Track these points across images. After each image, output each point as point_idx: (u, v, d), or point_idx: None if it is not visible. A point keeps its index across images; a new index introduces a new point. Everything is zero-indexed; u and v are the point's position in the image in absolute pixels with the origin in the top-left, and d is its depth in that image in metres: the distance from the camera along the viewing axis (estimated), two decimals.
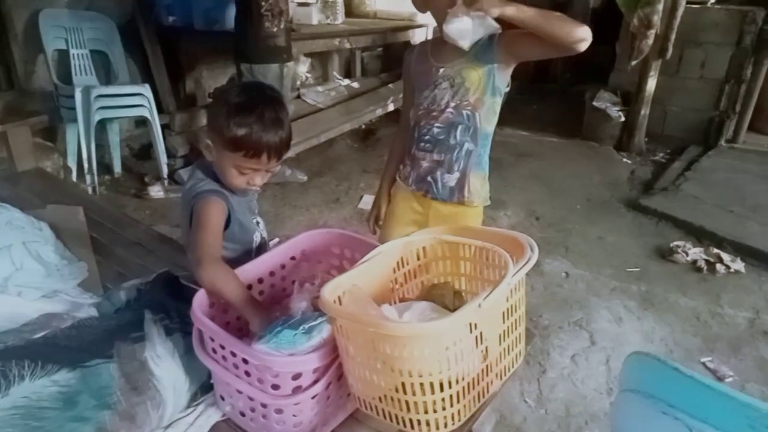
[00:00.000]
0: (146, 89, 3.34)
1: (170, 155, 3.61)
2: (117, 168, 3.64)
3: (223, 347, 1.08)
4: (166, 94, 3.82)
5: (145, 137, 3.81)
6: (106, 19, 3.54)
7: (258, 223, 1.51)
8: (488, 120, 1.58)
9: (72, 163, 3.33)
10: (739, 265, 2.79)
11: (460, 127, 1.57)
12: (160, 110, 3.55)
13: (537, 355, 2.17)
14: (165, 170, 3.48)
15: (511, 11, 1.34)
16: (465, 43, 1.40)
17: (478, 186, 1.66)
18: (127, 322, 1.32)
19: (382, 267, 1.18)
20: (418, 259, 1.23)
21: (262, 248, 1.51)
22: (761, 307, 2.52)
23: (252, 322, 1.16)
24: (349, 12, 5.20)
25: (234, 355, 1.06)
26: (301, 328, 0.98)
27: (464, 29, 1.38)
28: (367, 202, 3.42)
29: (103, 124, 3.40)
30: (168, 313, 1.31)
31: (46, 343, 1.25)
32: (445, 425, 0.95)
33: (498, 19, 1.38)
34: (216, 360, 1.12)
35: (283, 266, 1.38)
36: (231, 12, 3.57)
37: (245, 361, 1.05)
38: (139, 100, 3.32)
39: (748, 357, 2.20)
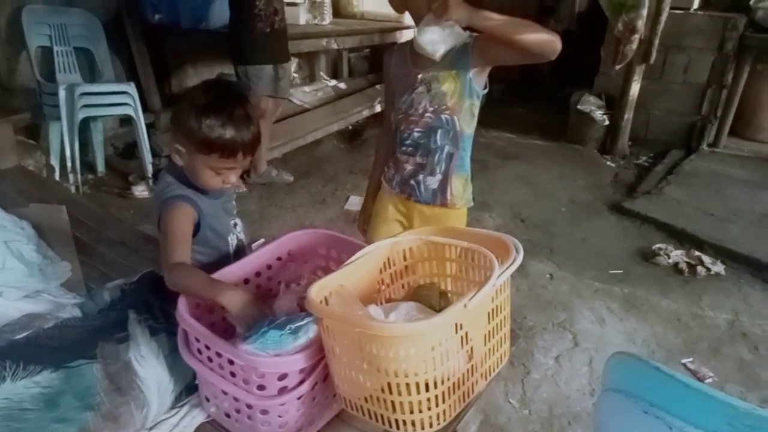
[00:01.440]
0: (131, 87, 3.31)
1: (155, 154, 3.57)
2: (100, 167, 3.59)
3: (208, 348, 1.08)
4: (152, 93, 3.79)
5: (130, 136, 3.77)
6: (91, 16, 3.50)
7: (236, 225, 1.48)
8: (467, 123, 1.59)
9: (55, 162, 3.29)
10: (719, 267, 2.83)
11: (440, 131, 1.57)
12: (145, 109, 3.52)
13: (521, 356, 2.19)
14: (150, 169, 3.45)
15: (479, 20, 1.36)
16: (437, 54, 1.42)
17: (460, 188, 1.67)
18: (111, 322, 1.31)
19: (369, 268, 1.19)
20: (405, 259, 1.24)
21: (240, 251, 1.48)
22: (740, 309, 2.57)
23: (225, 302, 1.11)
24: (337, 12, 5.20)
25: (219, 355, 1.06)
26: (287, 328, 0.98)
27: (435, 40, 1.39)
28: (353, 203, 3.42)
29: (86, 122, 3.36)
30: (152, 313, 1.30)
31: (28, 343, 1.24)
32: (431, 425, 0.96)
33: (469, 27, 1.38)
34: (201, 361, 1.12)
35: (269, 267, 1.38)
36: (218, 11, 3.56)
37: (231, 362, 1.04)
38: (123, 99, 3.28)
39: (728, 358, 2.24)
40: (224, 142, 1.20)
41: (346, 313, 0.96)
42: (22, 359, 1.15)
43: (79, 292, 1.56)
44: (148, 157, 3.44)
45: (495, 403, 1.94)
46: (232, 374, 1.06)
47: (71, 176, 3.17)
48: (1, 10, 3.27)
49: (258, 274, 1.35)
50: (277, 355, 1.01)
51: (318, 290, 1.02)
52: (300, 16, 4.34)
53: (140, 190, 3.32)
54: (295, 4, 4.35)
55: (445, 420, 0.98)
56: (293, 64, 5.30)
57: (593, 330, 2.39)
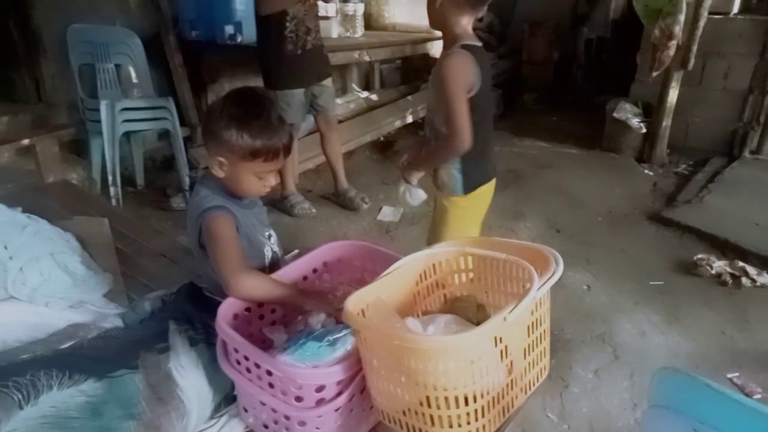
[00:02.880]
0: (169, 102, 3.40)
1: (192, 167, 3.65)
2: (140, 180, 3.69)
3: (247, 358, 1.09)
4: (189, 107, 3.88)
5: (167, 149, 3.87)
6: (131, 34, 3.61)
7: (270, 236, 1.51)
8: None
9: (96, 175, 3.39)
10: (765, 278, 2.73)
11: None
12: (182, 123, 3.61)
13: (559, 369, 2.14)
14: (187, 182, 3.53)
15: (420, 173, 1.90)
16: (416, 204, 1.96)
17: (445, 177, 1.87)
18: (152, 332, 1.33)
19: (405, 279, 1.18)
20: (441, 271, 1.23)
21: (275, 263, 1.50)
22: None
23: (310, 306, 1.24)
24: (368, 25, 5.24)
25: (258, 366, 1.07)
26: (325, 340, 0.98)
27: (411, 195, 1.93)
28: (386, 213, 3.43)
29: (127, 136, 3.46)
30: (192, 324, 1.33)
31: (73, 353, 1.27)
32: None
33: None
34: (239, 371, 1.13)
35: (305, 278, 1.38)
36: (252, 26, 3.63)
37: (269, 373, 1.05)
38: (162, 113, 3.37)
39: None
40: (268, 146, 1.26)
41: (384, 325, 0.95)
42: (67, 368, 1.18)
43: (121, 302, 1.60)
44: (185, 170, 3.52)
45: (533, 417, 1.90)
46: (271, 385, 1.06)
47: (112, 189, 3.26)
48: (47, 30, 3.40)
49: (294, 285, 1.37)
50: (315, 367, 1.01)
51: (355, 302, 1.02)
52: (332, 29, 4.38)
53: (178, 203, 3.39)
54: (327, 18, 4.40)
55: None
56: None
57: (634, 343, 2.33)
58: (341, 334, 1.00)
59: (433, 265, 1.22)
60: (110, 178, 3.23)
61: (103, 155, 3.26)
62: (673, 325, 2.45)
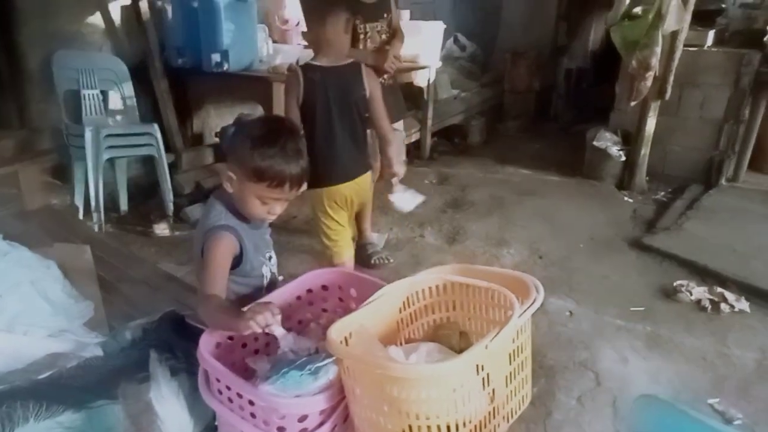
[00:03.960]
0: (154, 128, 3.40)
1: (176, 193, 3.63)
2: (123, 206, 3.66)
3: (229, 388, 1.08)
4: (174, 134, 3.88)
5: (152, 175, 3.85)
6: (117, 60, 3.62)
7: (270, 257, 1.51)
8: None
9: (79, 201, 3.36)
10: (743, 304, 2.77)
11: None
12: (167, 149, 3.60)
13: (542, 396, 2.14)
14: (171, 208, 3.51)
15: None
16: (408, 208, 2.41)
17: None
18: (132, 361, 1.32)
19: (388, 307, 1.19)
20: (424, 299, 1.24)
21: (272, 285, 1.50)
22: None
23: (245, 328, 1.10)
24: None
25: (240, 396, 1.06)
26: (307, 368, 0.98)
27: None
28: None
29: (111, 162, 3.45)
30: (173, 353, 1.32)
31: (51, 383, 1.25)
32: None
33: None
34: (221, 401, 1.12)
35: (289, 305, 1.39)
36: (238, 55, 3.67)
37: (251, 403, 1.04)
38: (147, 140, 3.37)
39: (757, 399, 2.17)
40: (273, 171, 1.26)
41: (367, 354, 0.96)
42: (45, 399, 1.16)
43: (101, 331, 1.59)
44: (169, 197, 3.50)
45: None
46: (253, 415, 1.06)
47: (95, 215, 3.23)
48: (33, 56, 3.41)
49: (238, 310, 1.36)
50: (297, 396, 1.01)
51: (338, 331, 1.03)
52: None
53: (161, 229, 3.37)
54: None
55: None
56: None
57: (616, 369, 2.34)
58: (323, 362, 1.00)
59: (416, 292, 1.23)
60: (93, 203, 3.20)
61: (87, 181, 3.24)
62: (654, 350, 2.46)
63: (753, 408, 2.13)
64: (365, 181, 2.51)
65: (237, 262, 1.37)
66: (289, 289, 1.39)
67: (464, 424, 0.93)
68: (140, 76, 3.70)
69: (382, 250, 3.21)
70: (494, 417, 1.01)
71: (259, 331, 1.11)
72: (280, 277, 1.58)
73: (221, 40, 3.59)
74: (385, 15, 2.97)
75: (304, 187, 1.38)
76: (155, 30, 3.77)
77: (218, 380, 1.11)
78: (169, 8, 3.85)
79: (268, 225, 1.49)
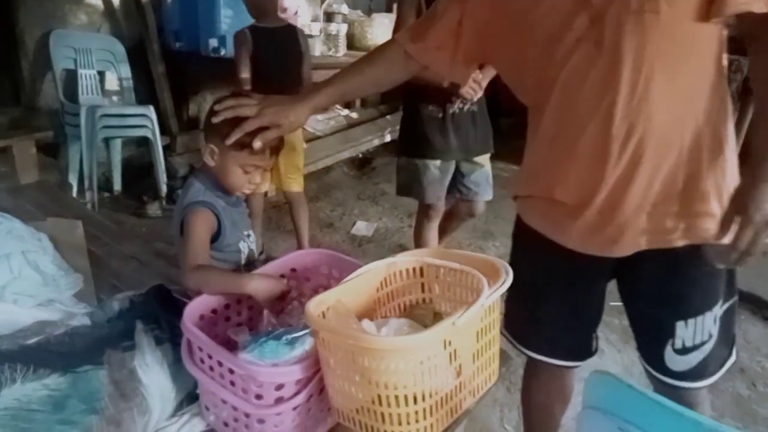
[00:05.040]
0: (150, 110, 3.44)
1: (170, 176, 3.68)
2: (117, 186, 3.71)
3: (210, 357, 1.13)
4: (169, 116, 3.92)
5: (146, 157, 3.89)
6: (115, 41, 3.66)
7: (249, 235, 1.56)
8: None
9: (73, 179, 3.40)
10: None
11: None
12: (162, 131, 3.65)
13: (518, 382, 2.19)
14: (164, 190, 3.55)
15: None
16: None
17: None
18: (118, 331, 1.36)
19: (366, 286, 1.24)
20: (401, 280, 1.29)
21: (250, 263, 1.55)
22: (739, 346, 2.56)
23: (251, 290, 1.26)
24: (351, 45, 5.34)
25: (220, 364, 1.11)
26: (284, 338, 1.03)
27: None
28: (360, 228, 3.49)
29: (106, 142, 3.49)
30: (159, 324, 1.36)
31: (38, 348, 1.29)
32: None
33: None
34: (203, 370, 1.16)
35: None
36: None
37: (231, 371, 1.09)
38: (142, 121, 3.41)
39: (726, 393, 2.24)
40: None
41: (341, 326, 1.01)
42: (32, 363, 1.20)
43: (89, 302, 1.62)
44: (163, 178, 3.55)
45: (491, 428, 1.95)
46: (232, 383, 1.10)
47: (88, 194, 3.27)
48: (30, 34, 3.43)
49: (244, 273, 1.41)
50: (274, 365, 1.06)
51: (316, 305, 1.08)
52: (316, 47, 4.47)
53: (154, 209, 3.41)
54: (311, 36, 4.49)
55: None
56: None
57: (591, 360, 2.40)
58: (300, 333, 1.05)
59: (394, 273, 1.28)
60: (87, 182, 3.25)
61: (81, 159, 3.27)
62: (629, 344, 2.53)
63: (721, 402, 2.21)
64: None
65: (215, 236, 1.42)
66: (274, 267, 1.43)
67: (430, 395, 0.98)
68: (138, 58, 3.74)
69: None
70: (460, 391, 1.06)
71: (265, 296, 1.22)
72: (262, 256, 1.64)
73: (219, 25, 3.62)
74: None
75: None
76: (154, 12, 3.79)
77: (200, 349, 1.15)
78: None
79: (244, 204, 1.55)
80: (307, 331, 1.05)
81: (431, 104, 2.32)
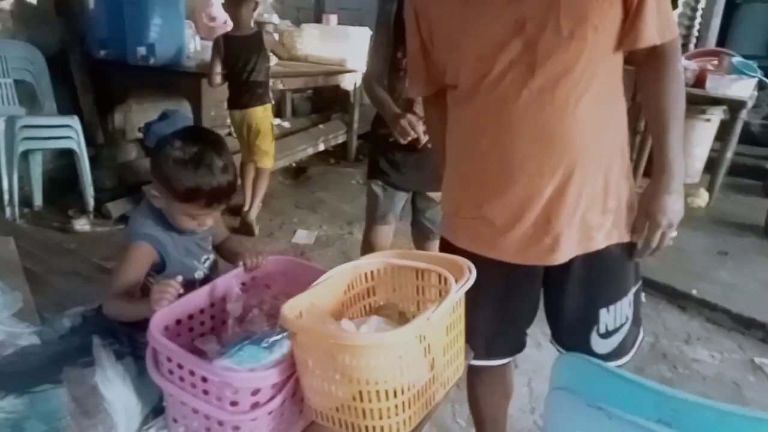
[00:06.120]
0: (75, 121, 3.28)
1: (97, 188, 3.52)
2: (38, 201, 3.49)
3: (180, 366, 1.11)
4: (94, 127, 3.75)
5: (69, 169, 3.69)
6: (33, 49, 3.47)
7: (206, 260, 1.52)
8: None
9: None
10: None
11: None
12: (87, 143, 3.48)
13: (466, 379, 2.29)
14: (91, 203, 3.39)
15: None
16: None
17: None
18: (73, 347, 1.32)
19: (333, 289, 1.27)
20: (366, 281, 1.33)
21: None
22: (660, 333, 2.80)
23: (149, 310, 1.18)
24: (280, 55, 5.33)
25: (192, 374, 1.10)
26: (264, 342, 1.04)
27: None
28: (301, 236, 3.49)
29: (25, 155, 3.29)
30: (117, 338, 1.32)
31: None
32: (398, 430, 1.04)
33: None
34: (171, 381, 1.15)
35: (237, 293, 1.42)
36: (165, 48, 3.61)
37: (204, 380, 1.08)
38: (66, 132, 3.25)
39: (651, 377, 2.43)
40: (202, 193, 1.27)
41: (322, 327, 1.03)
42: None
43: (32, 321, 1.54)
44: (89, 191, 3.39)
45: (444, 423, 2.02)
46: (205, 392, 1.10)
47: (8, 210, 3.07)
48: None
49: (224, 299, 1.40)
50: (251, 371, 1.07)
51: (290, 308, 1.09)
52: None
53: (81, 224, 3.25)
54: None
55: (411, 425, 1.06)
56: None
57: (531, 354, 2.53)
58: (278, 337, 1.06)
59: (359, 276, 1.32)
60: (6, 197, 3.05)
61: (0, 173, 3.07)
62: None
63: None
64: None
65: (160, 268, 1.39)
66: (234, 277, 1.43)
67: (408, 389, 1.03)
68: (59, 66, 3.55)
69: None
70: (433, 383, 1.11)
71: (169, 304, 1.18)
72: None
73: (147, 33, 3.51)
74: None
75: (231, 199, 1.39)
76: (76, 20, 3.63)
77: (169, 360, 1.13)
78: None
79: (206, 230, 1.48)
80: (284, 334, 1.07)
81: (384, 127, 2.20)
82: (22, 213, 3.26)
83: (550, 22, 1.16)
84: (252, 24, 3.69)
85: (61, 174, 3.78)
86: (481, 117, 1.29)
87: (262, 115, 3.58)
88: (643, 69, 1.32)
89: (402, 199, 2.41)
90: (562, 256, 1.31)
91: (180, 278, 1.23)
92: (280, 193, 4.33)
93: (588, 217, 1.30)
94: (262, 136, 3.60)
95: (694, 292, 3.15)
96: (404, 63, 2.00)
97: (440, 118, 1.52)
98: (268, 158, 3.68)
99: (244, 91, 3.52)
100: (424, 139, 1.98)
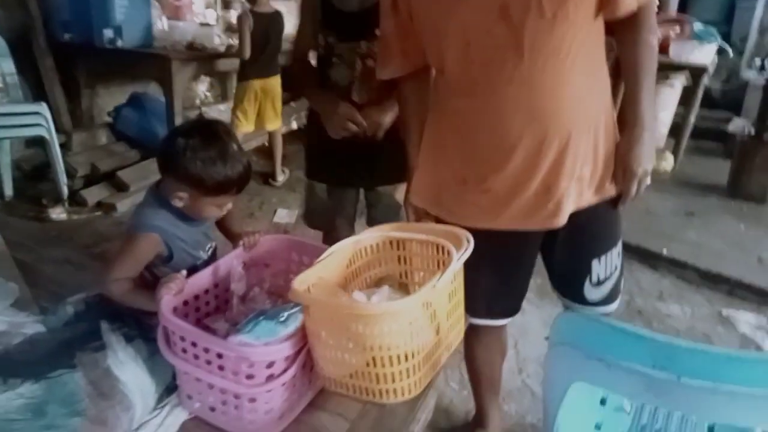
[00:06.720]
0: (43, 107, 3.20)
1: (69, 175, 3.46)
2: (8, 191, 3.41)
3: (194, 345, 1.15)
4: (62, 113, 3.67)
5: (38, 157, 3.62)
6: None
7: (210, 248, 1.56)
8: None
9: None
10: None
11: None
12: (56, 129, 3.40)
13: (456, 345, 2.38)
14: (65, 191, 3.34)
15: None
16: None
17: None
18: (82, 333, 1.34)
19: (336, 264, 1.31)
20: (367, 255, 1.38)
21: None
22: (635, 292, 2.94)
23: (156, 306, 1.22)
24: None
25: (206, 351, 1.13)
26: (280, 316, 1.09)
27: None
28: (282, 215, 3.50)
29: None
30: (125, 321, 1.35)
31: (1, 359, 1.24)
32: (409, 392, 1.10)
33: None
34: (185, 359, 1.18)
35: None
36: (133, 30, 3.53)
37: (219, 356, 1.12)
38: (35, 119, 3.17)
39: None
40: (233, 183, 1.34)
41: (335, 299, 1.08)
42: (0, 373, 1.16)
43: (31, 311, 1.55)
44: (63, 179, 3.33)
45: (438, 387, 2.10)
46: (220, 368, 1.14)
47: None
48: None
49: (226, 279, 1.43)
50: (266, 345, 1.11)
51: (300, 282, 1.14)
52: (214, 36, 4.34)
53: (57, 213, 3.21)
54: (209, 25, 4.37)
55: (420, 387, 1.12)
56: (206, 83, 5.28)
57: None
58: (293, 311, 1.11)
59: (360, 250, 1.36)
60: None
61: None
62: (545, 299, 2.80)
63: None
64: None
65: (167, 258, 1.43)
66: (235, 257, 1.46)
67: (418, 353, 1.09)
68: (22, 52, 3.44)
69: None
70: (439, 347, 1.18)
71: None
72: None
73: (114, 15, 3.43)
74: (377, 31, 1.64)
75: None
76: (36, 3, 3.51)
77: (182, 339, 1.16)
78: None
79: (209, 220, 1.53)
80: (298, 308, 1.11)
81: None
82: None
83: (533, 5, 1.20)
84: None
85: (31, 162, 3.69)
86: (472, 101, 1.34)
87: (275, 82, 4.15)
88: (620, 31, 1.37)
89: (350, 200, 2.12)
90: (564, 219, 1.38)
91: (184, 272, 1.29)
92: (255, 174, 4.31)
93: (581, 175, 1.37)
94: (276, 100, 4.21)
95: (664, 251, 3.30)
96: (337, 49, 1.81)
97: (417, 95, 1.57)
98: (278, 119, 4.34)
99: (267, 63, 4.01)
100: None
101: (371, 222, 2.10)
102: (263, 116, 4.22)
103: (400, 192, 1.96)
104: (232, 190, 1.36)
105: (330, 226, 2.12)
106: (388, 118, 1.80)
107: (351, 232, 2.00)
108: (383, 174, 1.98)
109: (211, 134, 1.34)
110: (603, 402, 1.35)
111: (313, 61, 1.97)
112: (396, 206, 2.02)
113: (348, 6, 1.77)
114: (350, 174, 1.99)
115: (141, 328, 1.34)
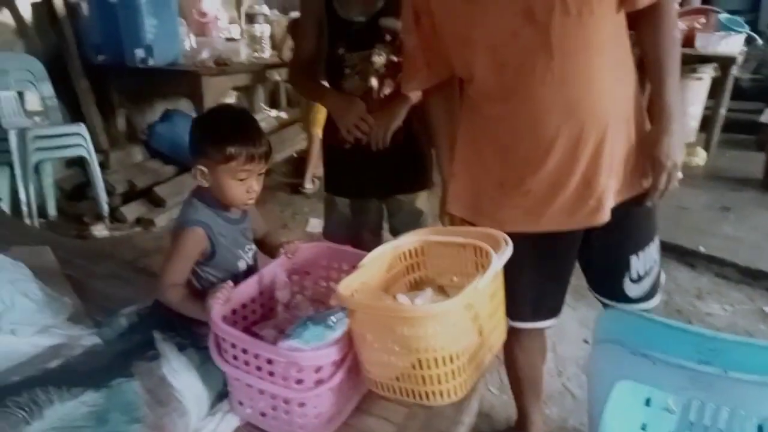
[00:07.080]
0: (82, 128, 3.32)
1: (108, 193, 3.58)
2: (51, 210, 3.54)
3: (245, 351, 1.19)
4: (99, 133, 3.80)
5: (77, 177, 3.75)
6: (32, 59, 3.49)
7: (249, 250, 1.57)
8: None
9: (6, 209, 3.23)
10: None
11: None
12: (94, 149, 3.53)
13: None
14: (106, 209, 3.45)
15: None
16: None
17: None
18: (136, 343, 1.40)
19: (377, 269, 1.34)
20: (405, 260, 1.41)
21: (249, 274, 1.59)
22: (672, 290, 2.90)
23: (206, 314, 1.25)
24: (275, 46, 5.34)
25: (257, 357, 1.17)
26: (328, 320, 1.12)
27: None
28: (314, 225, 3.55)
29: (34, 166, 3.33)
30: (176, 331, 1.40)
31: (63, 370, 1.31)
32: (456, 393, 1.12)
33: None
34: (236, 366, 1.22)
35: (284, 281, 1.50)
36: (163, 49, 3.64)
37: (269, 362, 1.16)
38: (76, 140, 3.29)
39: None
40: (240, 146, 1.33)
41: (380, 302, 1.11)
42: (63, 383, 1.23)
43: (85, 324, 1.61)
44: (103, 197, 3.44)
45: (477, 391, 2.11)
46: (271, 373, 1.18)
47: (28, 221, 3.13)
48: None
49: (270, 287, 1.48)
50: (314, 350, 1.15)
51: (345, 288, 1.18)
52: (240, 50, 4.45)
53: (99, 230, 3.31)
54: (235, 40, 4.47)
55: (465, 389, 1.15)
56: (233, 97, 5.40)
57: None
58: (340, 316, 1.14)
59: (399, 255, 1.39)
60: (26, 209, 3.10)
61: (13, 186, 3.12)
62: (580, 301, 2.78)
63: None
64: None
65: (210, 255, 1.44)
66: (278, 265, 1.50)
67: (462, 354, 1.11)
68: (58, 75, 3.58)
69: None
70: (482, 348, 1.20)
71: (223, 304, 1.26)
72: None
73: (144, 35, 3.54)
74: (387, 37, 1.80)
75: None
76: (71, 27, 3.65)
77: (233, 346, 1.21)
78: (83, 4, 3.73)
79: (249, 219, 1.54)
80: (344, 313, 1.15)
81: (339, 132, 1.87)
82: (38, 224, 3.31)
83: (557, 4, 1.22)
84: None
85: (70, 182, 3.83)
86: (506, 105, 1.36)
87: None
88: (642, 22, 1.37)
89: (371, 211, 2.11)
90: (606, 215, 1.38)
91: (231, 284, 1.31)
92: (285, 185, 4.39)
93: (618, 169, 1.38)
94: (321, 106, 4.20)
95: (701, 248, 3.25)
96: (348, 59, 1.82)
97: (445, 107, 1.59)
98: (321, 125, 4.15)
99: None
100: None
101: (393, 231, 2.12)
102: (314, 119, 4.14)
103: (420, 199, 2.06)
104: (241, 155, 1.32)
105: (353, 240, 1.97)
106: (393, 123, 1.82)
107: (378, 242, 1.92)
108: (402, 183, 2.01)
109: (224, 107, 1.46)
110: (648, 403, 1.35)
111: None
112: (417, 213, 2.05)
113: (354, 15, 1.80)
114: (369, 184, 1.99)
115: (192, 338, 1.39)
